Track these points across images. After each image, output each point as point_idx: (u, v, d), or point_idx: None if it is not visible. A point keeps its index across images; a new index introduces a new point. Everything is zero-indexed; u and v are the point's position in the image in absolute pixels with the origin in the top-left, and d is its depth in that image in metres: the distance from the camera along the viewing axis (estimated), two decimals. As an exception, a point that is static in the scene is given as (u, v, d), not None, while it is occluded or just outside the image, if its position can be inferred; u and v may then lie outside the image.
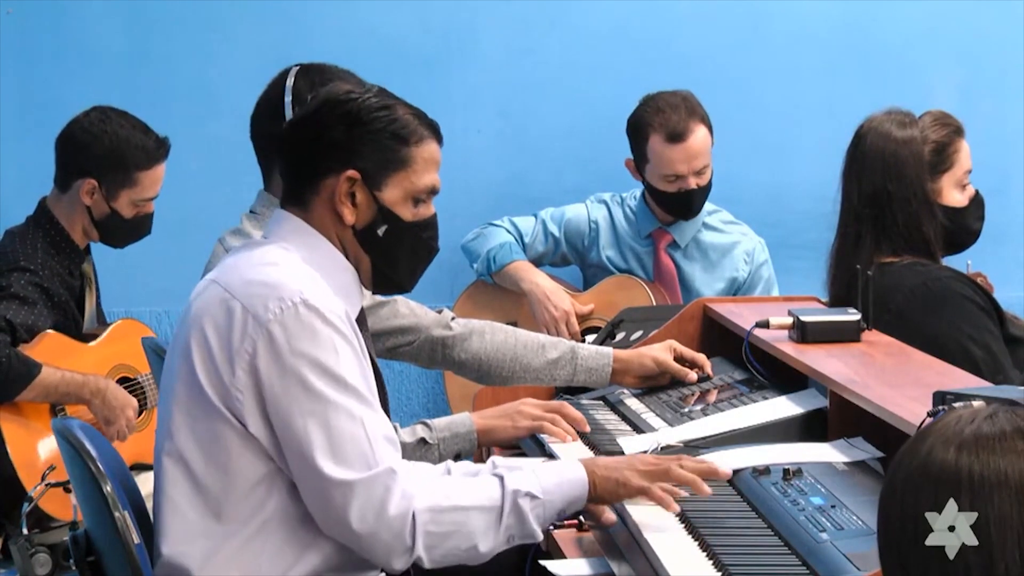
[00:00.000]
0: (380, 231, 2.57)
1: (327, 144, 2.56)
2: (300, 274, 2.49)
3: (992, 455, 1.48)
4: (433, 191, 2.62)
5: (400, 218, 2.58)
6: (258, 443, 2.44)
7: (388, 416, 2.64)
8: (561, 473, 2.54)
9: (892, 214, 3.55)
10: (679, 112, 4.49)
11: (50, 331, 3.98)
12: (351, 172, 2.54)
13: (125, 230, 4.16)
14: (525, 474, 2.52)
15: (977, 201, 3.68)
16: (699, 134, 4.50)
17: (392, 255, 2.61)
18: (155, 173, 4.13)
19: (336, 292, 2.52)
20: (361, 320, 2.62)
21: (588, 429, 3.19)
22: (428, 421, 3.15)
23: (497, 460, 2.76)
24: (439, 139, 2.63)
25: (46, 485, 3.64)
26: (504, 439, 3.18)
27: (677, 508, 2.53)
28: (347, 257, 2.59)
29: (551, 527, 2.69)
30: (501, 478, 2.50)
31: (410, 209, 2.59)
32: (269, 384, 2.41)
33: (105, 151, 4.07)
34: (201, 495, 2.46)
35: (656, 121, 4.49)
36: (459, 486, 2.51)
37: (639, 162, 4.59)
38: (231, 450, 2.44)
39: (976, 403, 2.38)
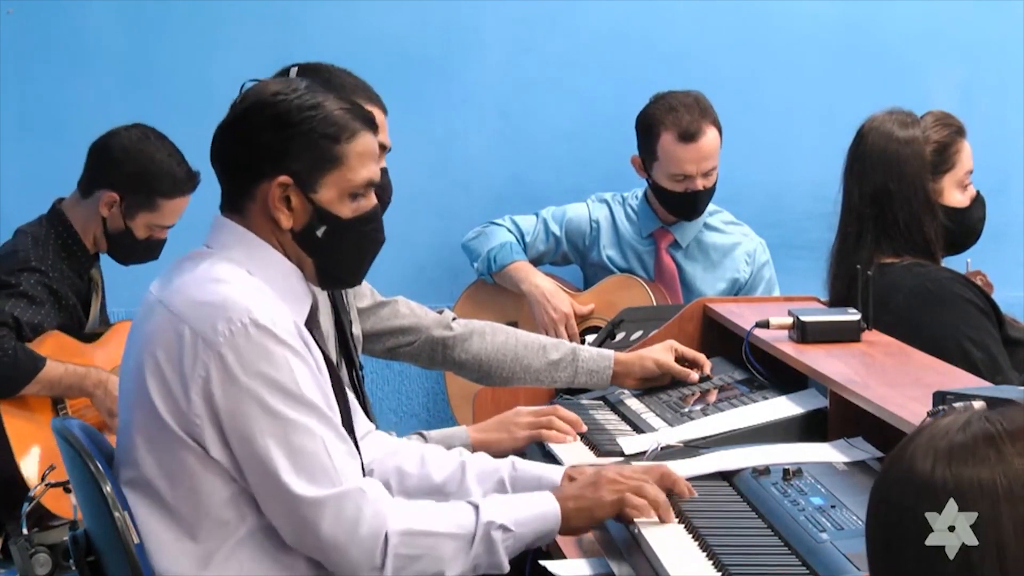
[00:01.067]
0: (319, 232, 2.52)
1: (257, 149, 2.50)
2: (246, 289, 2.45)
3: (964, 466, 1.49)
4: (371, 183, 2.55)
5: (338, 217, 2.52)
6: (221, 466, 2.42)
7: (349, 412, 2.62)
8: (534, 508, 2.53)
9: (893, 213, 3.55)
10: (692, 112, 4.49)
11: (54, 331, 4.00)
12: (282, 177, 2.48)
13: (134, 249, 4.19)
14: (500, 506, 2.51)
15: (978, 201, 3.68)
16: (710, 135, 4.50)
17: (335, 254, 2.55)
18: (177, 204, 4.15)
19: (283, 297, 2.48)
20: (311, 321, 2.58)
21: (584, 429, 3.20)
22: (424, 432, 3.14)
23: (517, 462, 2.75)
24: (374, 130, 2.56)
25: (46, 485, 3.64)
26: (502, 452, 3.17)
27: (653, 516, 2.52)
28: (289, 259, 2.53)
29: None
30: (476, 507, 2.49)
31: (348, 205, 2.53)
32: (225, 407, 2.38)
33: (135, 171, 4.09)
34: (174, 519, 2.44)
35: (668, 120, 4.49)
36: (433, 511, 2.49)
37: (647, 160, 4.59)
38: (195, 474, 2.42)
39: (977, 404, 2.39)
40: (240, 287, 2.45)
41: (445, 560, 2.44)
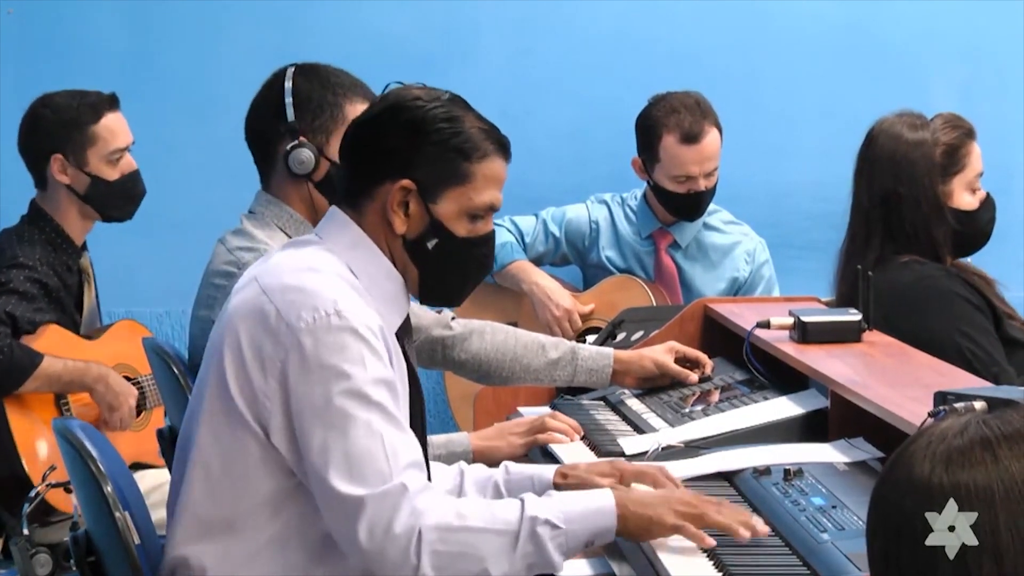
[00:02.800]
0: (430, 244, 2.51)
1: (385, 150, 2.49)
2: (339, 283, 2.44)
3: (961, 471, 1.50)
4: (492, 208, 2.54)
5: (453, 233, 2.51)
6: (279, 456, 2.40)
7: (424, 428, 2.61)
8: (588, 503, 2.45)
9: (901, 216, 3.55)
10: (694, 113, 4.49)
11: (52, 325, 4.00)
12: (405, 182, 2.47)
13: (117, 194, 4.13)
14: (549, 501, 2.44)
15: (988, 204, 3.68)
16: (712, 136, 4.51)
17: (441, 269, 2.54)
18: (109, 122, 4.11)
19: (380, 300, 2.48)
20: (405, 329, 2.57)
21: (582, 433, 3.20)
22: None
23: (510, 466, 2.74)
24: (507, 156, 2.54)
25: (47, 486, 3.64)
26: (501, 459, 3.16)
27: (712, 543, 2.44)
28: (395, 265, 2.52)
29: None
30: (522, 502, 2.42)
31: (465, 225, 2.52)
32: (295, 394, 2.37)
33: (52, 121, 4.09)
34: (215, 500, 2.44)
35: (671, 121, 4.49)
36: (475, 507, 2.42)
37: (648, 161, 4.59)
38: (249, 461, 2.41)
39: (978, 404, 2.39)
40: (333, 280, 2.44)
41: (488, 558, 2.36)
